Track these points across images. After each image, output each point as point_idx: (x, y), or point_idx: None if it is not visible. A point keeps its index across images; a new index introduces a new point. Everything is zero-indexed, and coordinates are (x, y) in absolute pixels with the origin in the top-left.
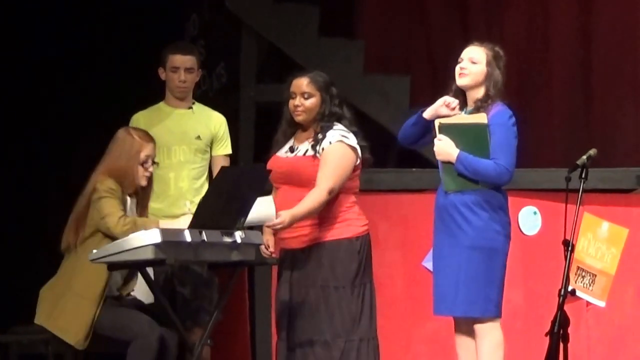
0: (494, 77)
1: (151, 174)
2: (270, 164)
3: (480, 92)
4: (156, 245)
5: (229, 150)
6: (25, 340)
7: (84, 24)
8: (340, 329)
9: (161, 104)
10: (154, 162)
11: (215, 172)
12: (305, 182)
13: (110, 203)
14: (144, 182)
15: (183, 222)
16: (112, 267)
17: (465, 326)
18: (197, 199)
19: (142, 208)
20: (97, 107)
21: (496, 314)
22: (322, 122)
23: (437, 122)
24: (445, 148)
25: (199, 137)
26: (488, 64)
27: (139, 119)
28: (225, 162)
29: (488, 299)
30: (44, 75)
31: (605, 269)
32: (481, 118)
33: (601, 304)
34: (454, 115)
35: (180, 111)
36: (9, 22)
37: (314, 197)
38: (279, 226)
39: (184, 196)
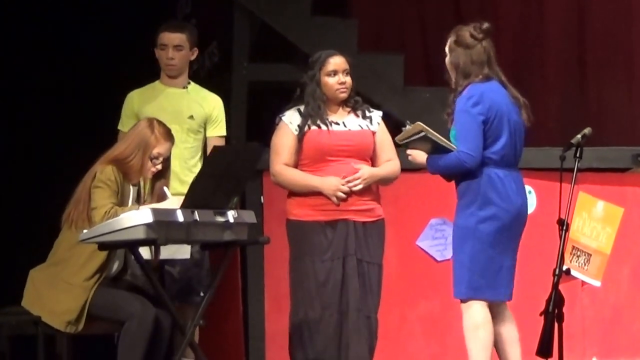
0: (453, 61)
1: (164, 168)
2: (329, 138)
3: None
4: (148, 225)
5: (223, 132)
6: (16, 321)
7: (75, 2)
8: (377, 306)
9: (156, 83)
10: (165, 162)
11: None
12: (368, 156)
13: (102, 194)
14: (149, 176)
15: (168, 205)
16: (103, 247)
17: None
18: (190, 178)
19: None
20: (89, 87)
21: (466, 296)
22: (354, 97)
23: (397, 141)
24: (416, 159)
25: (191, 117)
26: (449, 50)
27: (133, 96)
28: (220, 143)
29: (460, 280)
30: (39, 55)
31: (600, 248)
32: (417, 128)
33: (596, 283)
34: (403, 132)
35: (174, 90)
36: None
37: (393, 168)
38: (357, 181)
39: (176, 175)
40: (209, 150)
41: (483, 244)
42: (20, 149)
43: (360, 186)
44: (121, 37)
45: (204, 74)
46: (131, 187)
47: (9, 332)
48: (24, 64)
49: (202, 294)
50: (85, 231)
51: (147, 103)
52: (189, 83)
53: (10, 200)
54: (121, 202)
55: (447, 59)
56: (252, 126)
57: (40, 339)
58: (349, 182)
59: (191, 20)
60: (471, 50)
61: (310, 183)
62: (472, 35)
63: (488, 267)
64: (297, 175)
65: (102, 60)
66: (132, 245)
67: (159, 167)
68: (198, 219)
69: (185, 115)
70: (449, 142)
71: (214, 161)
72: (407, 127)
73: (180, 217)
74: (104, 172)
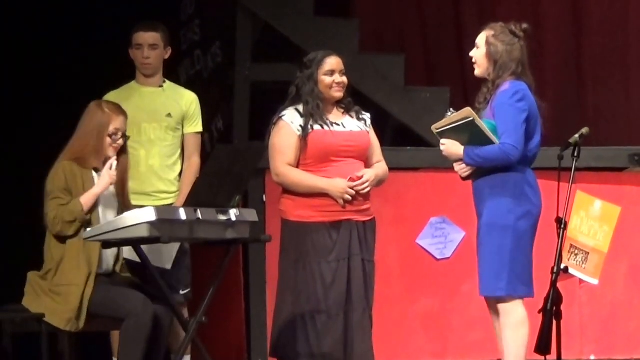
0: (493, 55)
1: (121, 147)
2: (334, 138)
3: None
4: (151, 224)
5: (200, 128)
6: (19, 319)
7: (78, 2)
8: (373, 302)
9: (132, 83)
10: (124, 136)
11: (186, 150)
12: (365, 156)
13: (51, 206)
14: (111, 153)
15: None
16: (106, 245)
17: (492, 305)
18: (171, 176)
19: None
20: (87, 87)
21: (506, 293)
22: (347, 98)
23: (433, 129)
24: (451, 149)
25: (169, 115)
26: (487, 43)
27: (110, 98)
28: (196, 140)
29: (497, 277)
30: (37, 54)
31: (598, 246)
32: (465, 113)
33: (594, 281)
34: (445, 118)
35: (151, 89)
36: None
37: (386, 170)
38: (366, 184)
39: (156, 174)
40: (185, 147)
41: (521, 240)
42: (21, 145)
43: (367, 189)
44: (125, 37)
45: (207, 74)
46: (94, 172)
47: (13, 329)
48: (29, 66)
49: (181, 292)
50: (88, 229)
51: (123, 103)
52: (164, 81)
53: (12, 199)
54: (84, 191)
55: (482, 51)
56: (254, 126)
57: (43, 337)
58: (356, 185)
59: (194, 21)
60: (511, 47)
61: (318, 185)
62: (512, 32)
63: (525, 263)
64: (303, 177)
65: (105, 61)
66: (135, 243)
67: (120, 142)
68: (200, 217)
69: (162, 114)
70: (491, 134)
71: (217, 160)
72: (450, 113)
73: (183, 215)
74: (49, 180)
